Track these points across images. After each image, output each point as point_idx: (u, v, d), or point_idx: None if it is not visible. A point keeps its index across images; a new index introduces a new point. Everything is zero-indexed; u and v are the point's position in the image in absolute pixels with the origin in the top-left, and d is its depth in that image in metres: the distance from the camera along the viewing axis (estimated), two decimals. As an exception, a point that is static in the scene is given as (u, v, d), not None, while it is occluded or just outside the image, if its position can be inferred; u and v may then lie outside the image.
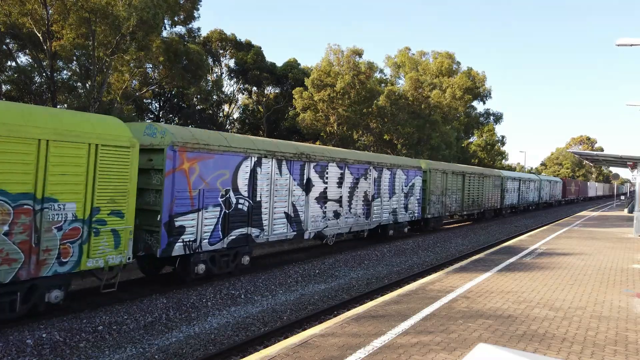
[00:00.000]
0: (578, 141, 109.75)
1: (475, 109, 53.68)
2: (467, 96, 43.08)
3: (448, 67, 46.17)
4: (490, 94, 47.89)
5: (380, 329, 6.92)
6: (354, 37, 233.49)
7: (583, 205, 65.45)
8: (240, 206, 11.62)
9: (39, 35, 21.64)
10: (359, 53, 34.83)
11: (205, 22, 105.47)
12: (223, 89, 38.21)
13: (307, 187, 13.89)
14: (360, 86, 33.77)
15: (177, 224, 10.05)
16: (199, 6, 29.66)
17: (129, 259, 8.94)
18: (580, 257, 14.29)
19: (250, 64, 37.75)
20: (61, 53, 22.69)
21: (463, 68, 48.10)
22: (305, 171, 13.83)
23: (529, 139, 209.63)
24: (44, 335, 7.58)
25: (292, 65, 40.80)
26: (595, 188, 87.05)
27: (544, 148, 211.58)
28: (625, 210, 42.51)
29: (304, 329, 8.61)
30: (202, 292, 10.50)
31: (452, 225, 28.12)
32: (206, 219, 10.73)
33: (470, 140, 58.61)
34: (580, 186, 71.19)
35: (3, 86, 25.20)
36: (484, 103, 51.58)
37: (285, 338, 8.08)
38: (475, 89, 44.92)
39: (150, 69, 30.27)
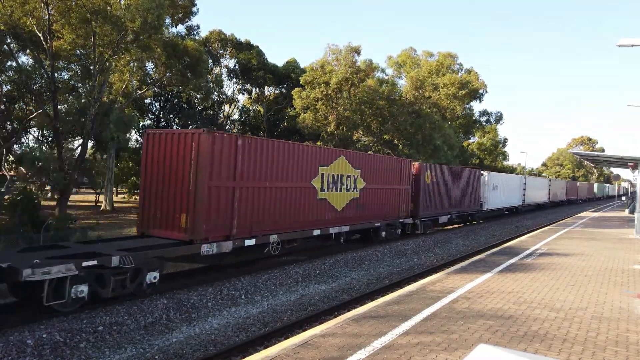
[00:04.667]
0: (579, 142, 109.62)
1: (473, 109, 53.77)
2: (461, 92, 43.06)
3: (447, 65, 46.15)
4: (486, 89, 47.85)
5: (380, 329, 6.91)
6: (355, 38, 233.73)
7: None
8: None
9: (40, 35, 21.63)
10: (357, 51, 34.79)
11: (204, 22, 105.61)
12: (223, 90, 38.22)
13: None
14: (359, 83, 33.69)
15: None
16: (195, 2, 29.75)
17: None
18: (581, 258, 14.27)
19: (254, 64, 37.77)
20: (62, 53, 22.70)
21: (464, 69, 48.10)
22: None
23: (530, 139, 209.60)
24: (44, 336, 7.57)
25: (293, 65, 40.82)
26: (501, 185, 33.77)
27: (545, 149, 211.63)
28: (626, 211, 42.50)
29: (305, 330, 8.60)
30: (203, 293, 10.50)
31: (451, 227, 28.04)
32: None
33: (471, 140, 58.64)
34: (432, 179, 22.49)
35: (4, 86, 25.21)
36: (480, 101, 51.63)
37: (285, 338, 8.06)
38: (469, 83, 44.88)
39: (150, 69, 30.29)
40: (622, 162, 25.54)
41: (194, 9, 30.26)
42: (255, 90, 41.67)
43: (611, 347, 6.48)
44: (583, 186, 76.59)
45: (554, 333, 6.97)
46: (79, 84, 26.00)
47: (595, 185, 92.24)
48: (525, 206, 41.66)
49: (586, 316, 7.93)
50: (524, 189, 40.41)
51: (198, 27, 33.68)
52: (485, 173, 30.97)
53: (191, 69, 27.00)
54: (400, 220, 19.89)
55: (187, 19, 30.81)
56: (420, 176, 21.28)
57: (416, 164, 21.53)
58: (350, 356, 5.81)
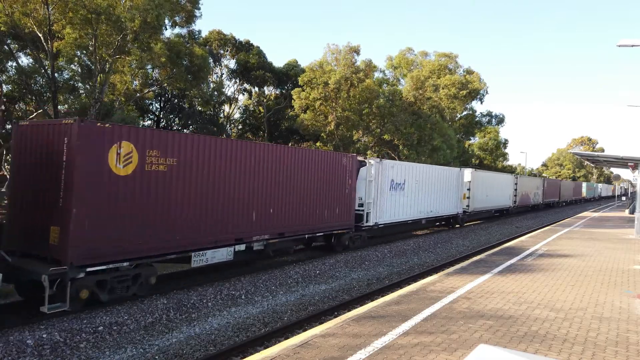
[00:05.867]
0: (579, 142, 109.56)
1: (474, 110, 53.90)
2: (461, 93, 43.02)
3: (445, 65, 46.13)
4: (487, 90, 47.86)
5: (380, 329, 6.91)
6: (356, 39, 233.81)
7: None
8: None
9: (40, 35, 21.66)
10: (356, 51, 34.76)
11: (204, 23, 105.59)
12: (223, 90, 38.24)
13: None
14: (358, 83, 33.64)
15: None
16: (199, 5, 29.64)
17: None
18: (581, 258, 14.27)
19: (254, 64, 37.76)
20: (63, 52, 22.73)
21: (462, 68, 48.16)
22: None
23: (530, 139, 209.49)
24: (44, 336, 7.57)
25: (293, 65, 40.85)
26: (413, 184, 20.45)
27: (545, 149, 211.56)
28: (626, 211, 42.51)
29: (305, 330, 8.61)
30: (203, 293, 10.50)
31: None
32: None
33: (472, 141, 58.77)
34: None
35: (4, 86, 25.23)
36: (482, 102, 51.84)
37: (285, 339, 8.07)
38: (469, 84, 44.84)
39: (151, 70, 30.28)
40: (622, 162, 25.53)
41: (197, 13, 30.16)
42: (255, 90, 41.68)
43: (611, 347, 6.48)
44: (567, 186, 60.33)
45: (554, 333, 6.97)
46: (80, 84, 26.02)
47: (584, 185, 74.09)
48: (470, 215, 27.97)
49: (586, 316, 7.93)
50: (469, 189, 27.07)
51: (200, 32, 33.68)
52: (371, 162, 17.68)
53: (193, 74, 27.09)
54: None
55: (189, 24, 30.74)
56: (77, 156, 8.38)
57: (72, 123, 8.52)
58: (350, 356, 5.81)
